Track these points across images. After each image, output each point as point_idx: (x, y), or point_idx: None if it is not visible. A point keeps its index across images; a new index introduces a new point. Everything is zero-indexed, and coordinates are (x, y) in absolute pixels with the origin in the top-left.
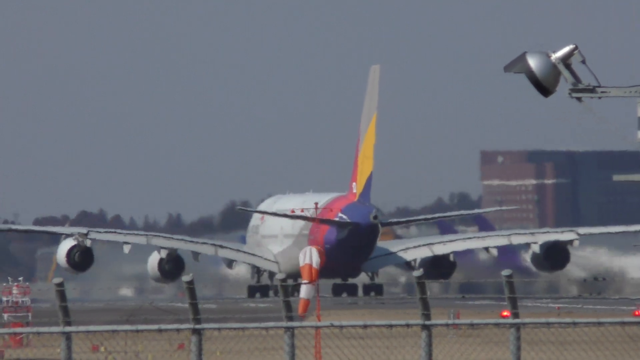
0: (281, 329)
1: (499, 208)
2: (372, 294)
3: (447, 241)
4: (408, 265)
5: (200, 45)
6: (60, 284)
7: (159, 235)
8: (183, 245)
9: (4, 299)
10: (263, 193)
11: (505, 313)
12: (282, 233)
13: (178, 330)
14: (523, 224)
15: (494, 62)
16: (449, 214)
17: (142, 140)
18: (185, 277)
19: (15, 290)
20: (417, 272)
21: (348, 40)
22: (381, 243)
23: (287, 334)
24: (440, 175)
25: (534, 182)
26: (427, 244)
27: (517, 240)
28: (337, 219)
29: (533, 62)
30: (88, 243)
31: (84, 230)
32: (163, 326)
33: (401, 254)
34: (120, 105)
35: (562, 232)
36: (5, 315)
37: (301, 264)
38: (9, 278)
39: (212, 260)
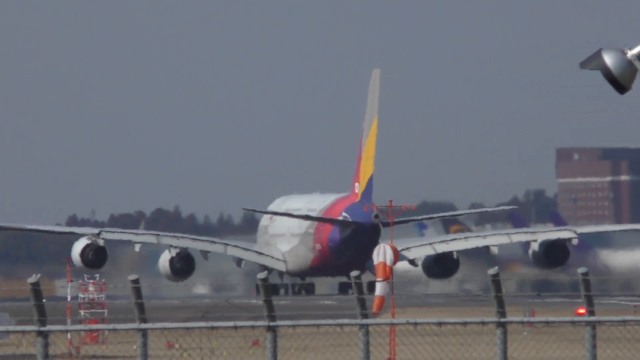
0: (356, 325)
1: (504, 208)
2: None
3: (449, 240)
4: (412, 263)
5: (211, 50)
6: (136, 281)
7: (169, 235)
8: (192, 244)
9: (81, 295)
10: (273, 194)
11: (580, 310)
12: (289, 232)
13: (253, 327)
14: (598, 220)
15: (572, 58)
16: (450, 214)
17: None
18: (260, 275)
19: (91, 287)
20: (492, 270)
21: (353, 43)
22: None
23: (362, 331)
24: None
25: (609, 179)
26: (430, 243)
27: (517, 239)
28: (340, 218)
29: (608, 59)
30: (101, 242)
31: (96, 230)
32: (238, 323)
33: (405, 252)
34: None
35: (561, 230)
36: (82, 312)
37: (375, 262)
38: (85, 275)
39: (221, 257)
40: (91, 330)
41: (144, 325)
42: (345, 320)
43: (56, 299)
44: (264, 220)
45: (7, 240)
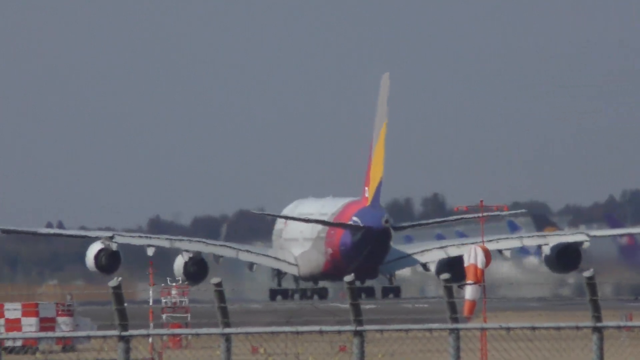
0: (446, 330)
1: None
2: (391, 296)
3: (460, 244)
4: (424, 267)
5: (225, 55)
6: (219, 284)
7: (182, 239)
8: (205, 248)
9: (163, 299)
10: (288, 198)
11: None
12: (302, 236)
13: (339, 332)
14: None
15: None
16: (448, 219)
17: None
18: (347, 278)
19: (174, 291)
20: (588, 273)
21: (363, 45)
22: (398, 246)
23: (452, 336)
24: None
25: None
26: (442, 247)
27: (529, 242)
28: (350, 222)
29: None
30: (114, 247)
31: (109, 233)
32: (324, 328)
33: (417, 256)
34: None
35: (573, 234)
36: (164, 316)
37: (466, 264)
38: (167, 279)
39: (234, 262)
40: (174, 335)
41: (227, 330)
42: (435, 325)
43: (138, 302)
44: (279, 224)
45: (75, 243)
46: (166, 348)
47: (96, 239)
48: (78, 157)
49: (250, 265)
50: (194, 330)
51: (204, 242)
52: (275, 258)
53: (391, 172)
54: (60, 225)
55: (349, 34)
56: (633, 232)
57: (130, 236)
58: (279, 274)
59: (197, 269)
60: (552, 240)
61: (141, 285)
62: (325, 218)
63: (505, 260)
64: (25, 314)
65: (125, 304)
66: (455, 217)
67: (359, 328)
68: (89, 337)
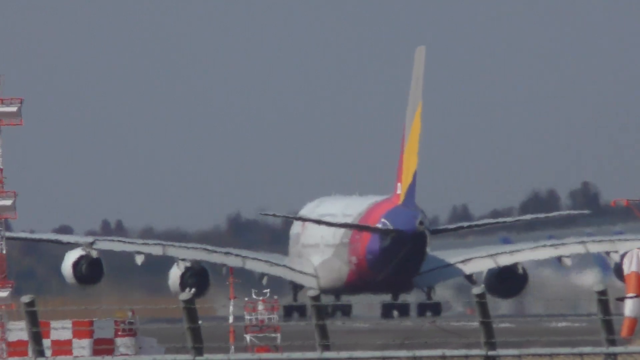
0: (600, 355)
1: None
2: (429, 314)
3: (513, 251)
4: (469, 279)
5: (239, 40)
6: (317, 297)
7: (178, 245)
8: (205, 255)
9: (247, 317)
10: (307, 197)
11: None
12: (323, 242)
13: (467, 357)
14: None
15: None
16: (501, 220)
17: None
18: (476, 290)
19: (260, 306)
20: None
21: (390, 22)
22: (438, 253)
23: None
24: None
25: None
26: (491, 255)
27: (594, 248)
28: (379, 225)
29: None
30: (94, 254)
31: (89, 239)
32: (448, 352)
33: (460, 265)
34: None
35: None
36: (248, 337)
37: (626, 271)
38: (253, 291)
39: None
40: None
41: (327, 355)
42: (587, 349)
43: (216, 319)
44: (296, 227)
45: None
46: None
47: (75, 245)
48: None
49: (261, 276)
50: (285, 355)
51: (203, 248)
52: (290, 268)
53: (428, 166)
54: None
55: (373, 7)
56: None
57: (115, 241)
58: (294, 287)
59: (197, 280)
60: (622, 246)
61: (219, 299)
62: (349, 220)
63: None
64: (77, 334)
65: (200, 322)
66: (505, 219)
67: (491, 353)
68: None
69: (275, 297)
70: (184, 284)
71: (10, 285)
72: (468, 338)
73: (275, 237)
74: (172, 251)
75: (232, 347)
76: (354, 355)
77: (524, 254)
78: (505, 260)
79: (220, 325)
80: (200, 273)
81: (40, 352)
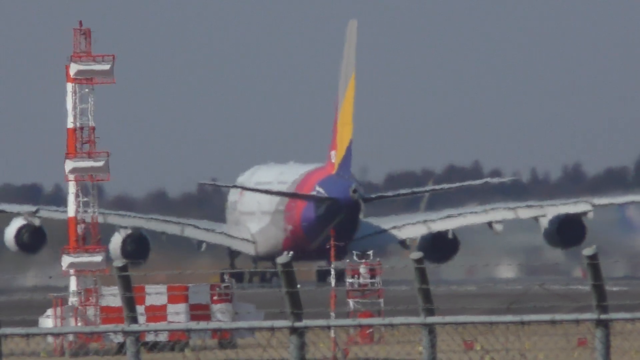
0: None
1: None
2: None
3: (445, 217)
4: (403, 245)
5: (178, 10)
6: (420, 260)
7: (116, 213)
8: (144, 223)
9: (349, 280)
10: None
11: None
12: (259, 209)
13: (577, 321)
14: None
15: None
16: (430, 189)
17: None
18: (587, 251)
19: (362, 269)
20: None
21: None
22: (373, 220)
23: None
24: None
25: None
26: (424, 221)
27: (524, 214)
28: (313, 193)
29: None
30: (37, 222)
31: (32, 208)
32: (557, 316)
33: (394, 231)
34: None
35: (574, 203)
36: (351, 302)
37: None
38: (354, 253)
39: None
40: (362, 327)
41: (431, 319)
42: None
43: (313, 284)
44: (234, 195)
45: None
46: (353, 343)
47: (17, 214)
48: None
49: (199, 243)
50: (387, 320)
51: (141, 217)
52: (227, 234)
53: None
54: None
55: None
56: None
57: (58, 211)
58: (231, 254)
59: (137, 247)
60: (550, 211)
61: (322, 262)
62: (284, 187)
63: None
64: (172, 299)
65: (299, 286)
66: (440, 186)
67: (603, 316)
68: (252, 330)
69: (379, 259)
70: (124, 250)
71: (103, 250)
72: (579, 301)
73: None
74: (112, 219)
75: (333, 313)
76: (459, 319)
77: (456, 220)
78: (437, 227)
79: (320, 290)
80: (139, 240)
81: (133, 319)
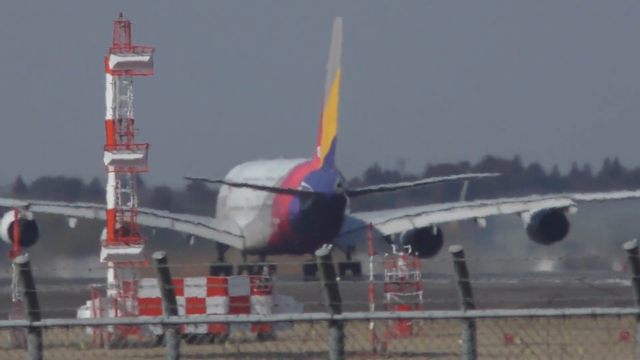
0: None
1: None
2: (349, 272)
3: (429, 212)
4: (387, 240)
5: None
6: (459, 253)
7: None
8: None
9: (387, 273)
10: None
11: None
12: (247, 204)
13: (619, 315)
14: None
15: None
16: (418, 182)
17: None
18: (627, 245)
19: (401, 262)
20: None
21: None
22: (358, 215)
23: None
24: None
25: None
26: (407, 216)
27: (507, 209)
28: (300, 188)
29: None
30: (29, 216)
31: (24, 202)
32: (598, 310)
33: (379, 227)
34: None
35: (556, 198)
36: (389, 295)
37: None
38: (392, 246)
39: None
40: (401, 320)
41: (471, 313)
42: None
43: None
44: (223, 190)
45: None
46: (392, 337)
47: (9, 208)
48: None
49: (188, 237)
50: (427, 313)
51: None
52: (216, 229)
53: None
54: None
55: None
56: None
57: (50, 204)
58: (220, 248)
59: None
60: (533, 206)
61: (361, 255)
62: (272, 183)
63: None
64: (211, 291)
65: (338, 279)
66: (424, 180)
67: None
68: (291, 322)
69: (417, 252)
70: None
71: (143, 241)
72: (620, 295)
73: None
74: (103, 214)
75: (372, 305)
76: (499, 313)
77: (440, 214)
78: (421, 222)
79: (359, 283)
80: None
81: (173, 310)
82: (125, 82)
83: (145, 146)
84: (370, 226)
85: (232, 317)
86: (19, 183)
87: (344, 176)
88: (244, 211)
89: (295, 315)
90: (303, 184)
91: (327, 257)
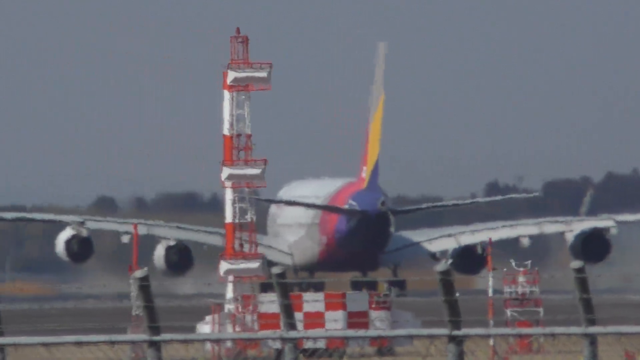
0: None
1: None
2: (395, 289)
3: (474, 230)
4: (433, 258)
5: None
6: (581, 269)
7: (160, 225)
8: (186, 234)
9: (506, 289)
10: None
11: None
12: (296, 222)
13: None
14: None
15: None
16: (459, 202)
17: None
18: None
19: (521, 278)
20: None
21: (357, 15)
22: (406, 233)
23: None
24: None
25: None
26: (453, 234)
27: (549, 229)
28: (346, 206)
29: None
30: (84, 232)
31: (79, 218)
32: None
33: (425, 244)
34: None
35: (599, 219)
36: (508, 311)
37: None
38: (511, 261)
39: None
40: (522, 336)
41: (593, 329)
42: None
43: (472, 292)
44: (274, 208)
45: None
46: (512, 353)
47: (66, 224)
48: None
49: None
50: (547, 329)
51: (184, 227)
52: (266, 245)
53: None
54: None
55: (341, 3)
56: None
57: (104, 220)
58: (269, 264)
59: (179, 258)
60: (576, 226)
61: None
62: (319, 201)
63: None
64: (329, 306)
65: (458, 294)
66: (470, 200)
67: None
68: (411, 337)
69: (536, 268)
70: (168, 261)
71: (261, 257)
72: None
73: None
74: (156, 230)
75: (491, 321)
76: (621, 330)
77: (484, 233)
78: (466, 240)
79: (478, 299)
80: (182, 251)
81: (292, 325)
82: (243, 97)
83: (263, 161)
84: (490, 241)
85: (351, 332)
86: (139, 199)
87: (388, 195)
88: (292, 228)
89: (414, 331)
90: (350, 202)
91: (446, 273)
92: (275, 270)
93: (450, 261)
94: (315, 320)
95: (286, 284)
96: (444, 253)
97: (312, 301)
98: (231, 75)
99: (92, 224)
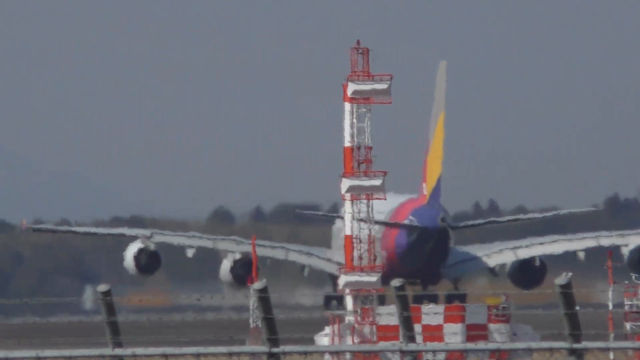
0: None
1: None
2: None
3: (530, 244)
4: (492, 272)
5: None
6: (567, 285)
7: (227, 239)
8: (249, 248)
9: (627, 302)
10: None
11: None
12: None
13: None
14: None
15: None
16: (526, 216)
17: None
18: (560, 279)
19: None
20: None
21: (417, 34)
22: (466, 247)
23: None
24: None
25: None
26: (511, 248)
27: (605, 242)
28: (406, 222)
29: None
30: (152, 246)
31: (147, 232)
32: None
33: (485, 258)
34: None
35: None
36: (628, 325)
37: None
38: (632, 275)
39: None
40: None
41: None
42: None
43: (593, 305)
44: (338, 222)
45: None
46: None
47: (134, 237)
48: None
49: (302, 267)
50: None
51: (250, 242)
52: (328, 260)
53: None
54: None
55: (401, 22)
56: None
57: (170, 235)
58: (332, 278)
59: (246, 271)
60: (632, 240)
61: (599, 284)
62: (381, 217)
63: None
64: (448, 319)
65: (578, 308)
66: (526, 215)
67: None
68: (530, 350)
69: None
70: (234, 274)
71: (380, 269)
72: None
73: None
74: (221, 245)
75: (612, 335)
76: None
77: (541, 247)
78: (524, 254)
79: (598, 312)
80: (249, 264)
81: (411, 338)
82: (364, 109)
83: (383, 174)
84: (610, 253)
85: (470, 345)
86: (258, 210)
87: (448, 211)
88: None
89: (534, 344)
90: (410, 217)
91: (567, 286)
92: (395, 283)
93: (568, 275)
94: (433, 333)
95: (406, 296)
96: (502, 267)
97: (432, 314)
98: (351, 87)
99: (158, 237)
